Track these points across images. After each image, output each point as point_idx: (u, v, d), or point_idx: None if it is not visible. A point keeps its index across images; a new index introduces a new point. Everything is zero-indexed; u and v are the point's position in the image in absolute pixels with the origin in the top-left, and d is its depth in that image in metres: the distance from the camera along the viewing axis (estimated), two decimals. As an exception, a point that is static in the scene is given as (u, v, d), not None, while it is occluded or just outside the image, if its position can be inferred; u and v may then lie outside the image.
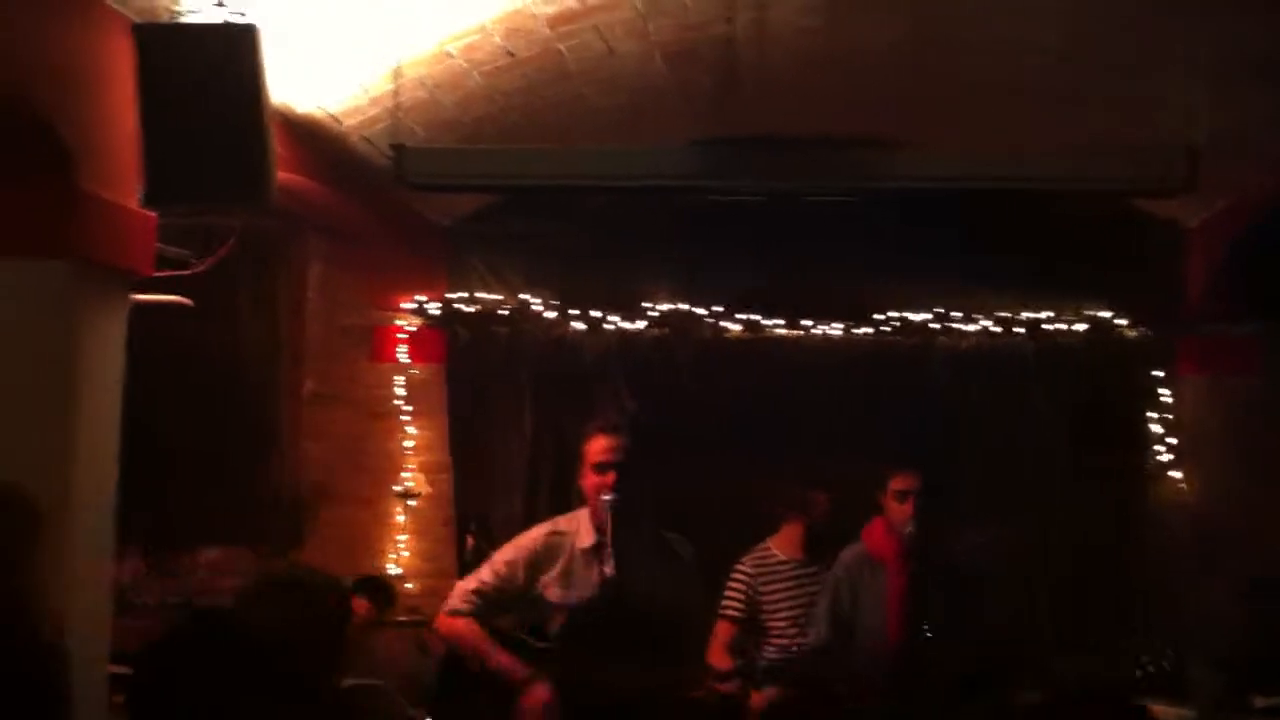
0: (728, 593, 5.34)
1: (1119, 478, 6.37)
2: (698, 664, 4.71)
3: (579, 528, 4.59)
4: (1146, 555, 6.27)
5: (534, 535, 4.70)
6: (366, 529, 6.36)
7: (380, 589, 5.75)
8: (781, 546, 5.41)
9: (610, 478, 4.42)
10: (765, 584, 5.33)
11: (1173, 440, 6.37)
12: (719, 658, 5.05)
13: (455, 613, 4.57)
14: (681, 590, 4.59)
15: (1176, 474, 6.33)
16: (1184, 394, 6.42)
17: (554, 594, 4.53)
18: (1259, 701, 4.97)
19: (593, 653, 4.27)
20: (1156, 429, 6.37)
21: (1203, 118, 3.97)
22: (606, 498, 4.38)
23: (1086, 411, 6.39)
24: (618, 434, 4.53)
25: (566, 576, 4.53)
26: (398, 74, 4.35)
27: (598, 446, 4.52)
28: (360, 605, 5.56)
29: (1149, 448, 6.38)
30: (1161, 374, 6.40)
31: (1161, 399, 6.39)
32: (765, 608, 5.31)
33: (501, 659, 4.45)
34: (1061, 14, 4.61)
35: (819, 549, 5.33)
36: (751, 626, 5.31)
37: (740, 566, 5.40)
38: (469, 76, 5.01)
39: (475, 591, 4.57)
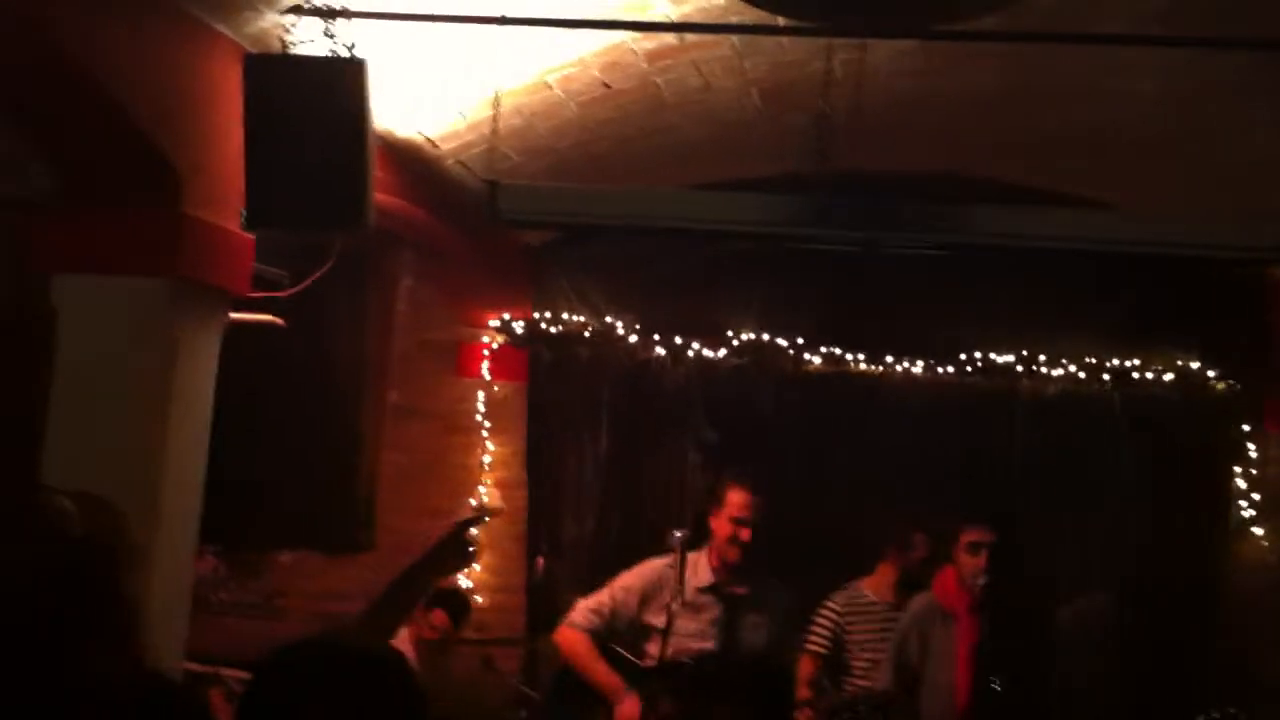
0: (814, 628, 5.35)
1: (1202, 531, 6.28)
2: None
3: (697, 564, 4.73)
4: (1227, 614, 6.17)
5: (654, 565, 4.88)
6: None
7: (457, 602, 5.83)
8: (873, 587, 5.41)
9: (746, 533, 4.58)
10: (852, 623, 5.34)
11: (1256, 496, 6.26)
12: (803, 686, 5.09)
13: (573, 625, 4.84)
14: (779, 637, 4.72)
15: (1259, 530, 6.23)
16: (1271, 450, 6.30)
17: (661, 622, 4.66)
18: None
19: (699, 693, 4.40)
20: (1241, 484, 6.28)
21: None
22: (677, 534, 4.51)
23: (1171, 463, 6.30)
24: (758, 491, 4.67)
25: (675, 607, 4.65)
26: (496, 102, 4.41)
27: (739, 500, 4.66)
28: (439, 618, 5.66)
29: (1233, 502, 6.28)
30: (1248, 428, 6.29)
31: (1248, 453, 6.29)
32: (850, 647, 5.32)
33: (602, 674, 4.73)
34: (1157, 66, 4.58)
35: (910, 593, 5.32)
36: (835, 664, 5.32)
37: (829, 604, 5.41)
38: (565, 106, 5.08)
39: (594, 611, 4.82)
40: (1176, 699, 5.78)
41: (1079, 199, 5.98)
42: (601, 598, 4.84)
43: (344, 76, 3.72)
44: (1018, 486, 6.18)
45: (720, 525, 4.73)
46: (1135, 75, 4.74)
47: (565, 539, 6.41)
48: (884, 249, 4.31)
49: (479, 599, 6.37)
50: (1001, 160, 6.05)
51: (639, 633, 4.75)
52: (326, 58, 3.73)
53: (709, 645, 4.59)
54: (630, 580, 4.85)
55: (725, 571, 4.71)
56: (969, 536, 4.67)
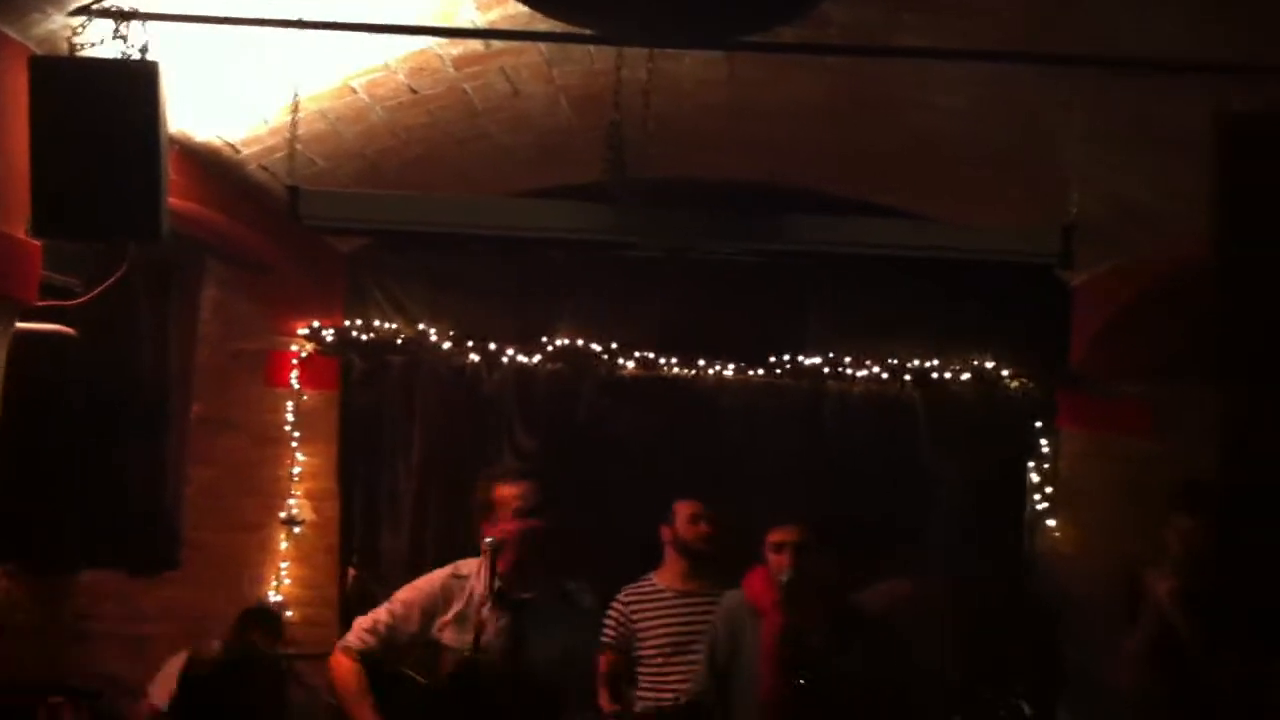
0: (604, 622, 5.45)
1: (1001, 525, 6.53)
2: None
3: (480, 572, 4.53)
4: (1024, 603, 6.42)
5: (434, 578, 4.63)
6: (250, 555, 6.30)
7: (270, 619, 5.70)
8: (661, 576, 5.53)
9: (530, 524, 4.43)
10: (638, 613, 5.43)
11: (1050, 490, 6.54)
12: (600, 688, 5.12)
13: (347, 650, 4.50)
14: (578, 641, 4.61)
15: (1053, 522, 6.50)
16: (1065, 448, 6.59)
17: (449, 637, 4.47)
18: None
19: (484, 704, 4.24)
20: (1035, 478, 6.55)
21: (1077, 191, 4.10)
22: (488, 540, 4.36)
23: (970, 459, 6.53)
24: (525, 481, 4.54)
25: (462, 621, 4.47)
26: (295, 106, 4.33)
27: (503, 493, 4.51)
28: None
29: (1029, 496, 6.55)
30: (1041, 425, 6.57)
31: (1042, 450, 6.56)
32: (639, 636, 5.41)
33: (366, 712, 4.37)
34: (965, 80, 4.75)
35: (699, 579, 5.45)
36: (627, 655, 5.41)
37: (619, 597, 5.52)
38: (372, 111, 5.02)
39: (369, 630, 4.49)
40: (982, 685, 5.98)
41: (897, 210, 6.15)
42: (379, 615, 4.53)
43: (135, 79, 3.61)
44: (826, 484, 6.33)
45: (484, 525, 4.55)
46: (949, 89, 4.90)
47: (380, 549, 6.30)
48: (693, 255, 4.38)
49: (290, 613, 6.25)
50: (820, 171, 6.19)
51: (431, 650, 4.48)
52: (116, 60, 3.62)
53: (490, 655, 4.34)
54: (408, 594, 4.55)
55: (508, 577, 4.44)
56: (773, 537, 4.74)
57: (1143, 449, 6.40)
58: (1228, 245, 3.70)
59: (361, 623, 4.55)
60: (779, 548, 4.69)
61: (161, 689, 5.48)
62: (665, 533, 5.58)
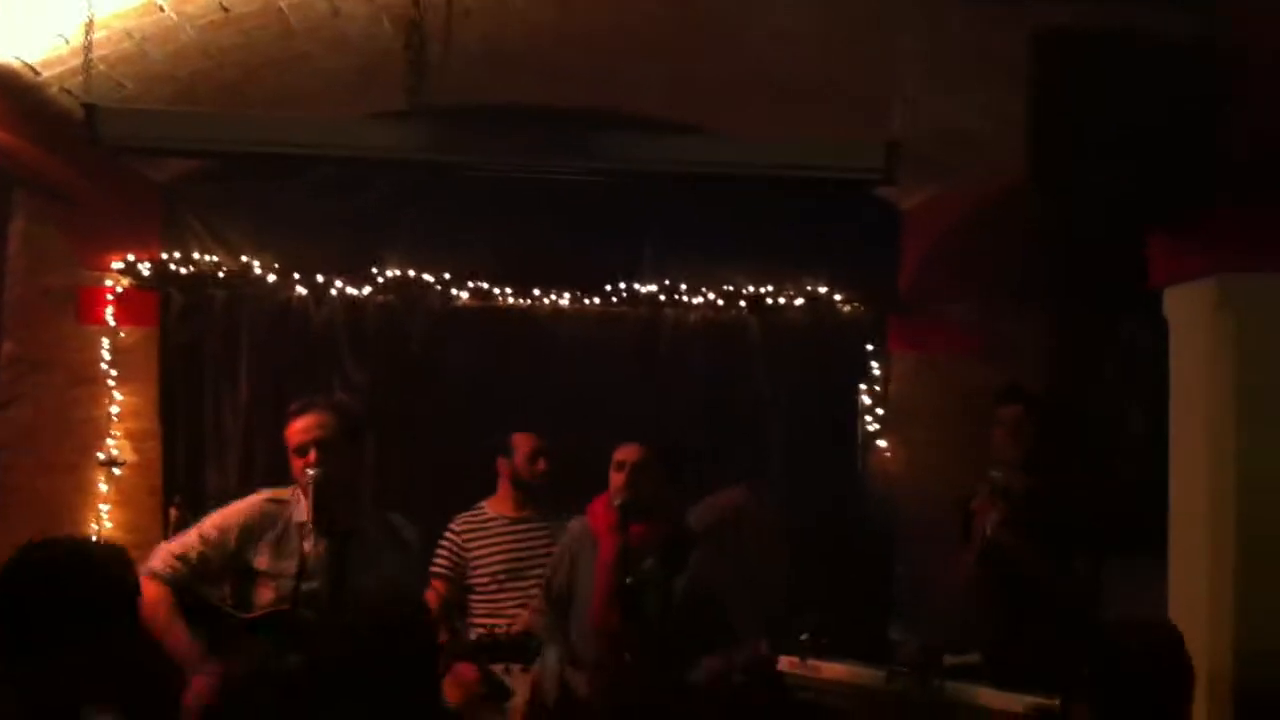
0: (436, 552, 5.44)
1: (834, 445, 6.64)
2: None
3: (297, 499, 4.42)
4: (856, 524, 6.54)
5: (249, 502, 4.48)
6: (68, 497, 6.07)
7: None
8: (493, 504, 5.56)
9: (311, 458, 4.27)
10: (471, 541, 5.46)
11: (880, 411, 6.67)
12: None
13: (154, 575, 4.19)
14: (401, 571, 4.50)
15: (883, 442, 6.63)
16: (895, 370, 6.72)
17: (264, 563, 4.32)
18: (949, 660, 5.28)
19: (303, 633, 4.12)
20: (867, 400, 6.66)
21: (904, 112, 4.12)
22: (311, 472, 4.24)
23: (804, 383, 6.62)
24: (315, 413, 4.38)
25: (279, 546, 4.33)
26: (90, 26, 4.08)
27: (295, 429, 4.36)
28: None
29: (860, 418, 6.66)
30: (872, 348, 6.67)
31: (873, 372, 6.68)
32: (472, 564, 5.43)
33: (178, 638, 4.13)
34: (795, 3, 4.73)
35: (532, 506, 5.52)
36: (459, 583, 5.41)
37: (451, 525, 5.52)
38: (182, 30, 4.78)
39: (179, 557, 4.26)
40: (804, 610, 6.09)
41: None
42: (188, 539, 4.31)
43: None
44: (663, 412, 6.34)
45: (293, 463, 4.45)
46: (778, 12, 4.86)
47: (207, 489, 6.10)
48: (520, 176, 4.28)
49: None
50: (651, 97, 6.09)
51: (243, 578, 4.31)
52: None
53: (314, 584, 4.20)
54: (220, 519, 4.34)
55: (322, 506, 4.27)
56: (617, 456, 4.77)
57: (970, 368, 6.55)
58: (1043, 165, 3.76)
59: (170, 547, 4.30)
60: (620, 466, 4.72)
61: None
62: (502, 465, 5.57)
